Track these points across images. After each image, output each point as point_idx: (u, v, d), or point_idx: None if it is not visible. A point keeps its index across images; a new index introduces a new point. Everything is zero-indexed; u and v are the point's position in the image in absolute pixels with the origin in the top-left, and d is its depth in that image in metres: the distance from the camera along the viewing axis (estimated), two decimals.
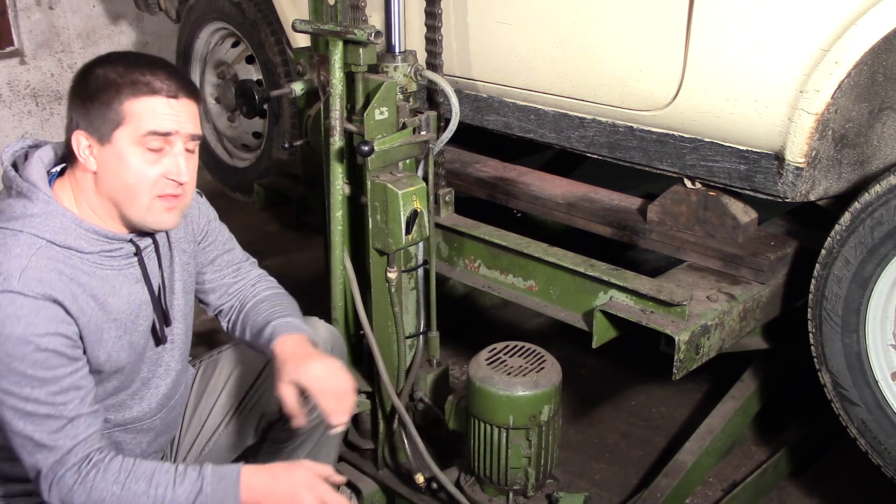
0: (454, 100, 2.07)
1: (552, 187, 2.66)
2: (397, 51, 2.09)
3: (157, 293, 1.75)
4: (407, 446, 2.20)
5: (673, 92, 2.11)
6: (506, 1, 2.39)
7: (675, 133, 2.17)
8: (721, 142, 2.09)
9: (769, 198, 2.08)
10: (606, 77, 2.24)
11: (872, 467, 2.07)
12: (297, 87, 2.38)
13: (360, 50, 2.00)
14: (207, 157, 4.19)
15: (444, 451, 2.28)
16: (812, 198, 2.05)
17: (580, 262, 2.19)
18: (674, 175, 2.26)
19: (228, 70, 4.03)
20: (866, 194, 1.93)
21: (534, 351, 2.07)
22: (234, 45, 3.99)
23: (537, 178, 2.74)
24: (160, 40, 4.93)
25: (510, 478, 2.03)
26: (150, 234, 1.72)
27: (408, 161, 2.10)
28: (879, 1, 1.76)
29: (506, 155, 3.03)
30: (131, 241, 1.68)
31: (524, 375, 1.98)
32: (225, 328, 2.03)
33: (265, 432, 2.04)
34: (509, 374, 1.98)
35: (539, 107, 2.45)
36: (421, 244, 2.14)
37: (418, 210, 2.01)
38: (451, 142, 2.19)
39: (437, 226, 2.43)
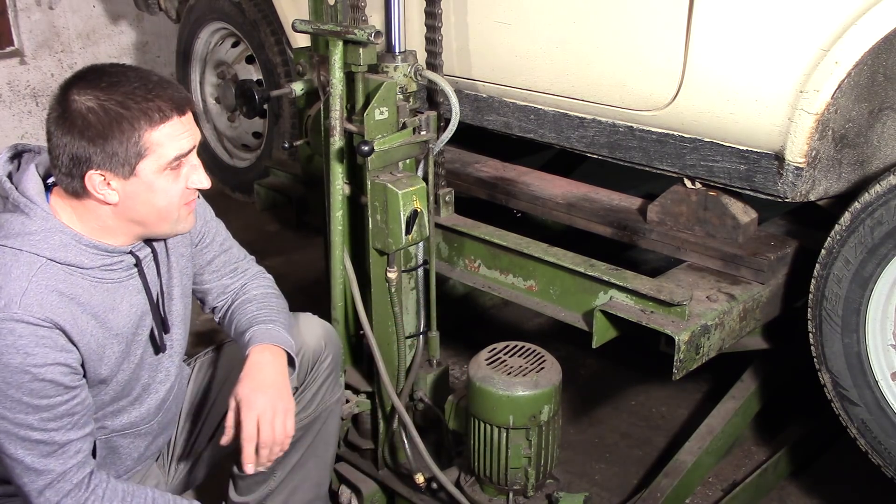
0: (454, 100, 2.07)
1: (552, 187, 2.66)
2: (397, 51, 2.09)
3: (156, 302, 1.75)
4: (407, 446, 2.20)
5: (673, 92, 2.11)
6: (506, 1, 2.39)
7: (675, 133, 2.17)
8: (721, 142, 2.10)
9: (769, 198, 2.08)
10: (606, 77, 2.24)
11: (872, 467, 2.07)
12: (297, 87, 2.38)
13: (360, 50, 2.00)
14: (207, 157, 4.20)
15: (444, 451, 2.28)
16: (812, 198, 2.05)
17: (580, 262, 2.19)
18: (674, 175, 2.26)
19: (228, 70, 4.03)
20: (866, 194, 1.93)
21: (534, 351, 2.07)
22: (234, 45, 4.00)
23: (537, 178, 2.74)
24: (160, 40, 4.94)
25: (510, 478, 2.03)
26: (148, 243, 1.71)
27: (408, 161, 2.10)
28: (879, 1, 1.76)
29: (506, 155, 3.03)
30: (131, 252, 1.67)
31: (524, 375, 1.98)
32: (218, 322, 2.04)
33: None
34: (509, 374, 1.98)
35: (539, 107, 2.45)
36: (421, 244, 2.14)
37: (418, 210, 2.01)
38: (451, 142, 2.19)
39: (437, 226, 2.43)
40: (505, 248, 2.34)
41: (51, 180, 1.63)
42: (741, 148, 2.07)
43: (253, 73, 3.92)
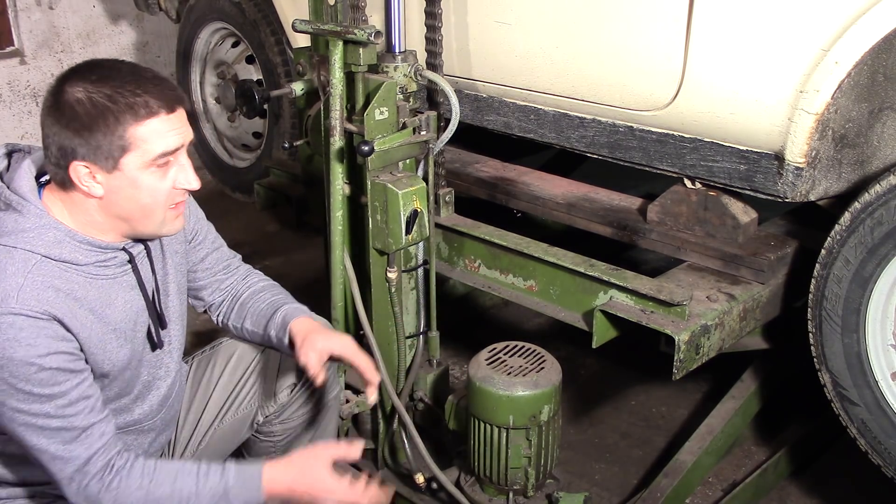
0: (454, 100, 2.07)
1: (552, 187, 2.66)
2: (397, 51, 2.09)
3: (151, 298, 1.75)
4: (407, 446, 2.20)
5: (673, 92, 2.11)
6: (506, 1, 2.39)
7: (675, 133, 2.17)
8: (721, 142, 2.09)
9: (769, 198, 2.08)
10: (606, 77, 2.24)
11: (872, 467, 2.07)
12: (297, 87, 2.38)
13: (360, 50, 2.00)
14: (207, 157, 4.19)
15: (444, 451, 2.28)
16: (812, 198, 2.05)
17: (580, 262, 2.19)
18: (674, 175, 2.26)
19: (228, 70, 4.03)
20: (866, 194, 1.93)
21: (534, 351, 2.07)
22: (234, 45, 3.99)
23: (537, 178, 2.74)
24: (160, 40, 4.94)
25: (510, 478, 2.03)
26: (142, 240, 1.71)
27: (408, 161, 2.10)
28: (879, 1, 1.76)
29: (506, 155, 3.03)
30: (124, 248, 1.67)
31: (524, 375, 1.98)
32: (217, 321, 2.04)
33: (260, 426, 2.04)
34: (509, 374, 1.98)
35: (539, 107, 2.45)
36: (421, 244, 2.14)
37: (418, 210, 2.01)
38: (451, 142, 2.19)
39: (437, 226, 2.43)
40: (505, 248, 2.34)
41: (43, 178, 1.64)
42: (741, 148, 2.07)
43: (253, 73, 3.91)
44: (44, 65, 4.53)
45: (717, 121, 2.06)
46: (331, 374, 2.05)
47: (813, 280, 2.06)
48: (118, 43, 4.80)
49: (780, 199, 2.06)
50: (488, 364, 2.02)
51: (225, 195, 4.16)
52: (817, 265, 2.05)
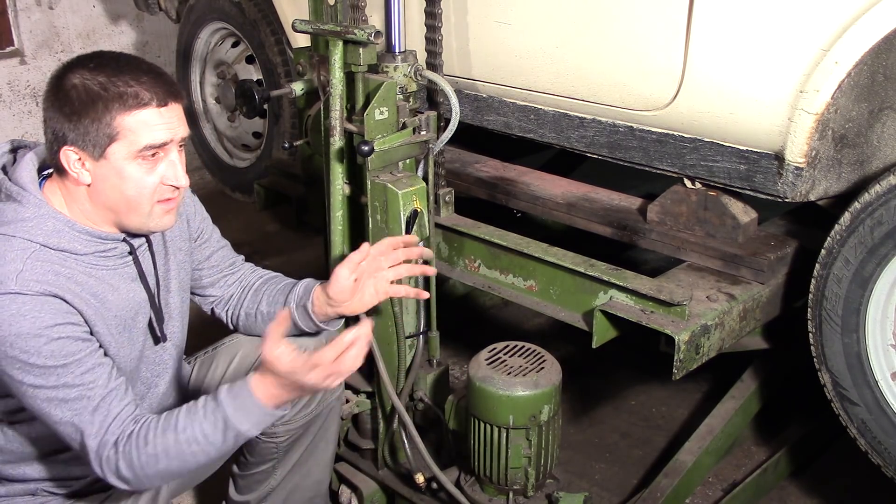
0: (454, 100, 2.07)
1: (552, 187, 2.66)
2: (397, 51, 2.09)
3: (152, 291, 1.75)
4: (407, 446, 2.20)
5: (673, 92, 2.11)
6: (506, 1, 2.39)
7: (675, 133, 2.17)
8: (721, 142, 2.09)
9: (769, 198, 2.08)
10: (606, 77, 2.24)
11: (872, 467, 2.07)
12: (297, 87, 2.38)
13: (360, 50, 2.00)
14: (207, 157, 4.20)
15: (444, 451, 2.28)
16: (812, 198, 2.05)
17: (580, 262, 2.19)
18: (674, 175, 2.26)
19: (228, 70, 4.03)
20: (866, 194, 1.93)
21: (534, 351, 2.07)
22: (234, 45, 3.99)
23: (537, 178, 2.74)
24: (160, 40, 4.94)
25: (510, 478, 2.03)
26: (145, 233, 1.71)
27: (408, 161, 2.10)
28: (879, 1, 1.76)
29: (506, 155, 3.03)
30: (125, 240, 1.68)
31: (524, 375, 1.98)
32: (225, 317, 2.04)
33: None
34: (509, 374, 1.98)
35: (539, 107, 2.45)
36: (421, 244, 2.14)
37: (418, 210, 2.01)
38: (451, 142, 2.20)
39: (437, 226, 2.43)
40: (505, 248, 2.34)
41: (46, 171, 1.65)
42: (741, 148, 2.07)
43: (253, 73, 3.92)
44: (44, 65, 4.53)
45: (717, 121, 2.06)
46: None
47: (813, 280, 2.06)
48: (118, 43, 4.80)
49: (780, 199, 2.06)
50: (488, 364, 2.02)
51: (225, 195, 4.16)
52: (817, 265, 2.05)
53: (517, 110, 2.51)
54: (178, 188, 1.62)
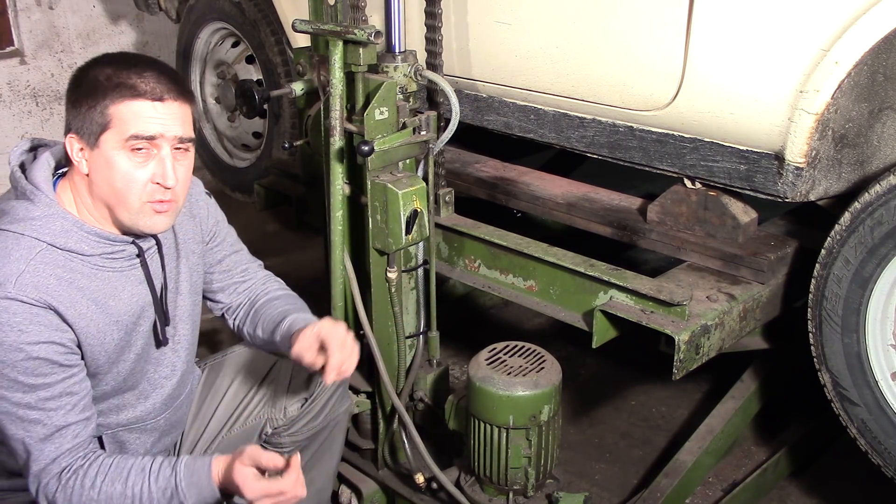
0: (454, 100, 2.07)
1: (552, 187, 2.66)
2: (397, 51, 2.09)
3: (159, 294, 1.75)
4: (407, 446, 2.20)
5: (673, 92, 2.11)
6: (506, 1, 2.39)
7: (675, 133, 2.17)
8: (721, 142, 2.09)
9: (769, 198, 2.08)
10: (606, 77, 2.24)
11: (872, 467, 2.07)
12: (297, 87, 2.38)
13: (360, 50, 2.00)
14: (207, 157, 4.19)
15: (444, 451, 2.28)
16: (812, 198, 2.05)
17: (580, 262, 2.19)
18: (674, 175, 2.26)
19: (228, 70, 4.03)
20: (866, 194, 1.93)
21: (534, 351, 2.07)
22: (234, 45, 3.99)
23: (537, 178, 2.74)
24: (160, 40, 4.93)
25: (510, 478, 2.03)
26: (153, 235, 1.71)
27: (408, 161, 2.10)
28: (879, 1, 1.76)
29: (506, 155, 3.03)
30: (133, 242, 1.68)
31: (524, 375, 1.98)
32: (232, 326, 2.03)
33: (268, 437, 2.04)
34: (509, 374, 1.98)
35: (539, 107, 2.45)
36: (421, 244, 2.14)
37: (418, 210, 2.01)
38: (451, 142, 2.19)
39: (437, 226, 2.43)
40: (505, 248, 2.34)
41: (61, 170, 1.67)
42: (741, 148, 2.07)
43: (253, 73, 3.91)
44: (44, 65, 4.53)
45: (717, 121, 2.06)
46: (342, 389, 2.04)
47: (813, 280, 2.06)
48: (118, 43, 4.80)
49: (780, 199, 2.06)
50: (488, 364, 2.02)
51: (225, 195, 4.16)
52: (817, 265, 2.05)
53: (517, 110, 2.51)
54: (167, 188, 1.60)
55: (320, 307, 2.21)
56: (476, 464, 2.06)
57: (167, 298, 1.78)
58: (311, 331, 1.78)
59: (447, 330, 2.31)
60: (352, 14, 2.13)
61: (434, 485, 2.16)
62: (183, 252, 1.81)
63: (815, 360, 2.10)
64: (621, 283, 2.09)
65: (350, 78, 2.05)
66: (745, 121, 2.01)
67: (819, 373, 2.10)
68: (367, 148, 1.93)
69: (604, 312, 2.10)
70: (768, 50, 1.92)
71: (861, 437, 2.05)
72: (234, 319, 2.02)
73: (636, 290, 2.07)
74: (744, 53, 1.96)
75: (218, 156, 4.20)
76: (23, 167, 1.66)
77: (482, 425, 2.01)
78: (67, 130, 1.60)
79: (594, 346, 2.13)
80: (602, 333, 2.13)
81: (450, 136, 2.13)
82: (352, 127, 2.04)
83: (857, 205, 1.95)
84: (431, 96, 2.31)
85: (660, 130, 2.20)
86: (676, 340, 1.95)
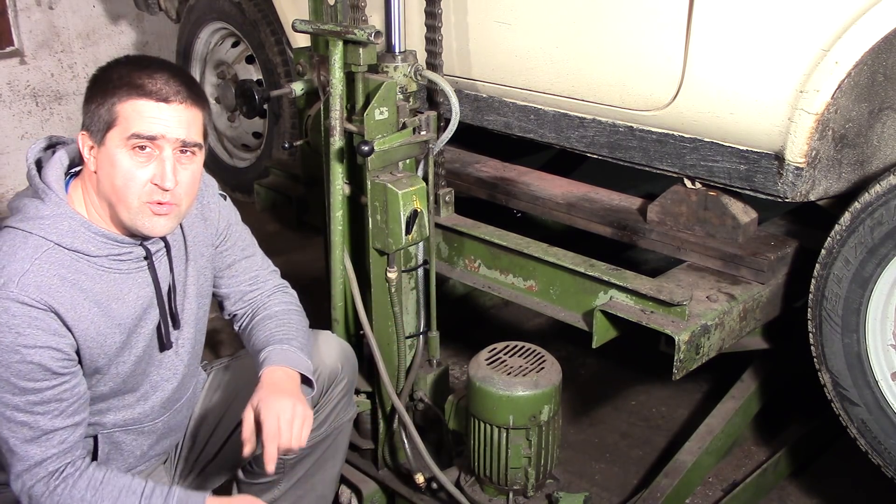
0: (454, 100, 2.07)
1: (552, 187, 2.66)
2: (397, 51, 2.09)
3: (165, 297, 1.75)
4: (407, 446, 2.20)
5: (673, 92, 2.11)
6: (506, 1, 2.39)
7: (675, 133, 2.17)
8: (721, 142, 2.10)
9: (769, 198, 2.08)
10: (606, 77, 2.24)
11: (872, 467, 2.07)
12: (297, 87, 2.38)
13: (360, 50, 2.00)
14: (207, 157, 4.18)
15: (444, 451, 2.28)
16: (812, 198, 2.05)
17: (580, 262, 2.19)
18: (674, 175, 2.26)
19: (228, 70, 4.03)
20: (866, 194, 1.93)
21: (534, 351, 2.07)
22: (234, 45, 4.00)
23: (537, 178, 2.74)
24: (160, 40, 4.93)
25: (510, 478, 2.03)
26: (163, 237, 1.71)
27: (408, 161, 2.10)
28: (879, 1, 1.76)
29: (506, 155, 3.03)
30: (141, 244, 1.67)
31: (524, 375, 1.98)
32: (237, 331, 2.02)
33: None
34: (509, 374, 1.98)
35: (539, 107, 2.45)
36: (421, 244, 2.14)
37: (418, 210, 2.01)
38: (451, 142, 2.19)
39: (437, 226, 2.43)
40: (505, 248, 2.34)
41: (74, 169, 1.67)
42: (741, 148, 2.07)
43: (253, 73, 3.92)
44: (43, 65, 4.52)
45: (717, 121, 2.06)
46: (347, 397, 2.04)
47: (813, 280, 2.06)
48: (118, 43, 4.80)
49: (780, 199, 2.06)
50: (488, 364, 2.02)
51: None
52: (817, 265, 2.05)
53: (517, 110, 2.51)
54: (166, 190, 1.59)
55: (320, 307, 2.21)
56: (476, 464, 2.06)
57: (174, 302, 1.78)
58: (249, 411, 1.71)
59: (447, 330, 2.31)
60: (352, 14, 2.13)
61: (434, 485, 2.16)
62: (192, 255, 1.80)
63: (815, 360, 2.10)
64: (621, 283, 2.09)
65: (350, 78, 2.05)
66: (745, 121, 2.01)
67: (819, 373, 2.10)
68: (367, 148, 1.93)
69: (604, 312, 2.10)
70: (768, 50, 1.92)
71: (861, 437, 2.05)
72: (239, 327, 2.00)
73: (636, 290, 2.07)
74: (744, 53, 1.96)
75: (218, 156, 4.20)
76: (39, 164, 1.67)
77: (482, 425, 2.00)
78: (81, 127, 1.61)
79: (594, 346, 2.13)
80: (602, 333, 2.13)
81: (450, 136, 2.13)
82: (352, 127, 2.04)
83: (857, 205, 1.95)
84: (431, 96, 2.31)
85: (660, 130, 2.20)
86: (676, 340, 1.95)
